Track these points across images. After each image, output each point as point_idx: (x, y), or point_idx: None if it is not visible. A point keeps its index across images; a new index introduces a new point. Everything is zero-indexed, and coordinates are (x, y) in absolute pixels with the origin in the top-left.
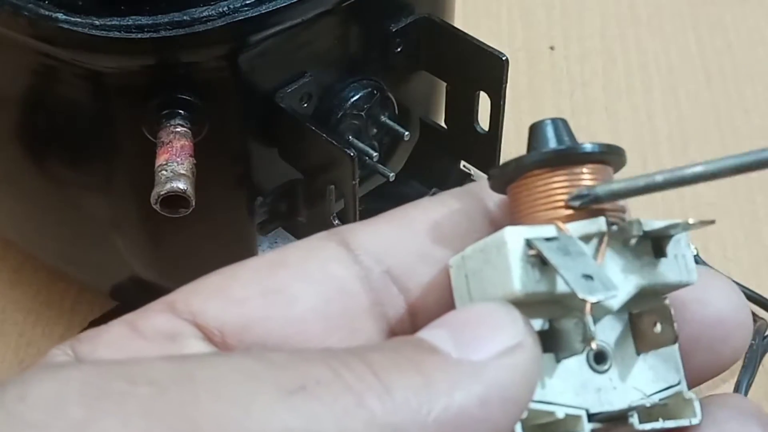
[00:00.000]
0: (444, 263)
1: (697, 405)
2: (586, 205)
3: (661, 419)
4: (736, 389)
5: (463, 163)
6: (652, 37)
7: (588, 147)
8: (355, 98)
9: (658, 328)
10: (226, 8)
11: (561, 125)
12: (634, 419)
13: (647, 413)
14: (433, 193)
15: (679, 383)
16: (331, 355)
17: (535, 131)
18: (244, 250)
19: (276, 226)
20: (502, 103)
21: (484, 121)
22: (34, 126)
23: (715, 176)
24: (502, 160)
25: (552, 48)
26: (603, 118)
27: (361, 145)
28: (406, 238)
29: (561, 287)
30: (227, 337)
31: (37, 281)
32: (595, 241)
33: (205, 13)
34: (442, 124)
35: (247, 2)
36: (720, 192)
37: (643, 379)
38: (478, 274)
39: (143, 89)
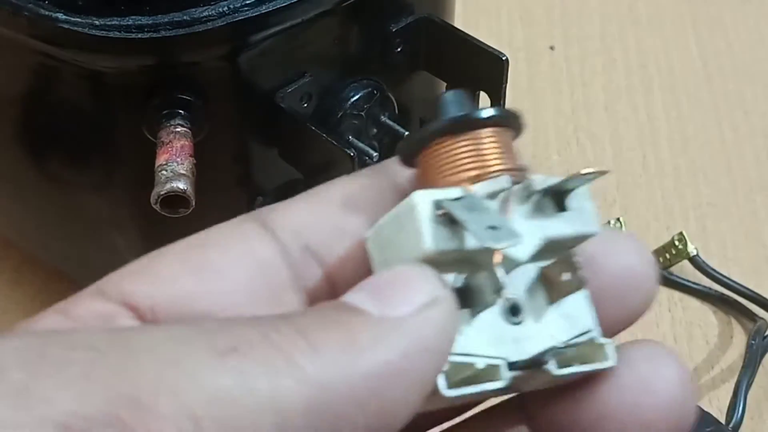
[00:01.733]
0: (358, 235)
1: (610, 349)
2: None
3: (576, 364)
4: (736, 389)
5: None
6: (652, 37)
7: (485, 112)
8: (355, 98)
9: (566, 276)
10: (226, 8)
11: (463, 95)
12: (552, 365)
13: (564, 359)
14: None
15: (591, 330)
16: (259, 320)
17: (438, 103)
18: None
19: None
20: (502, 103)
21: None
22: (34, 126)
23: None
24: None
25: (552, 48)
26: (603, 118)
27: (361, 145)
28: (321, 214)
29: (470, 243)
30: (158, 314)
31: (37, 281)
32: (499, 199)
33: (205, 13)
34: None
35: (247, 2)
36: (720, 192)
37: (557, 327)
38: (392, 241)
39: (143, 89)
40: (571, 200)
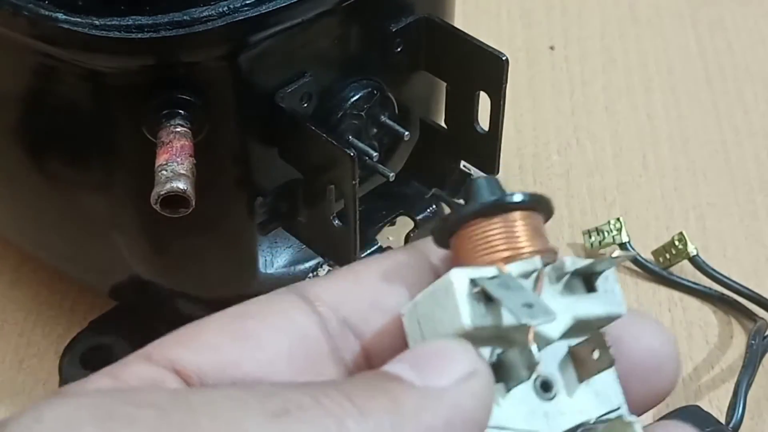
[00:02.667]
0: (393, 310)
1: (638, 426)
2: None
3: None
4: (736, 389)
5: (463, 163)
6: (652, 37)
7: (516, 196)
8: (355, 98)
9: (596, 354)
10: (226, 8)
11: (494, 181)
12: None
13: None
14: (434, 194)
15: (619, 407)
16: (309, 385)
17: (470, 187)
18: (244, 251)
19: (276, 226)
20: (502, 103)
21: (484, 121)
22: (34, 126)
23: None
24: (502, 160)
25: (552, 48)
26: (603, 118)
27: (361, 145)
28: (358, 289)
29: (506, 319)
30: (203, 380)
31: (37, 281)
32: (531, 279)
33: (205, 13)
34: (442, 124)
35: (247, 2)
36: (720, 192)
37: (587, 404)
38: (429, 316)
39: (143, 89)
40: (600, 282)
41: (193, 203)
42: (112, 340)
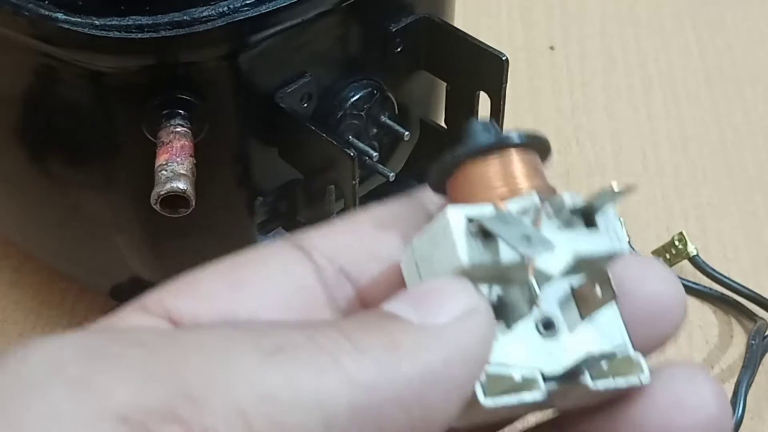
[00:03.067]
0: (390, 259)
1: (644, 364)
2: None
3: (611, 377)
4: (736, 389)
5: None
6: (652, 37)
7: (512, 134)
8: (355, 98)
9: (597, 289)
10: (225, 8)
11: (490, 123)
12: (587, 379)
13: (599, 373)
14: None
15: (624, 344)
16: (304, 324)
17: (467, 129)
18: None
19: (276, 226)
20: (502, 103)
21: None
22: (35, 126)
23: None
24: None
25: (552, 48)
26: (603, 118)
27: (361, 145)
28: (354, 238)
29: (504, 255)
30: None
31: (37, 281)
32: (530, 216)
33: (205, 13)
34: (442, 124)
35: (247, 2)
36: (720, 192)
37: (590, 341)
38: (426, 258)
39: (143, 89)
40: (601, 220)
41: (193, 203)
42: None
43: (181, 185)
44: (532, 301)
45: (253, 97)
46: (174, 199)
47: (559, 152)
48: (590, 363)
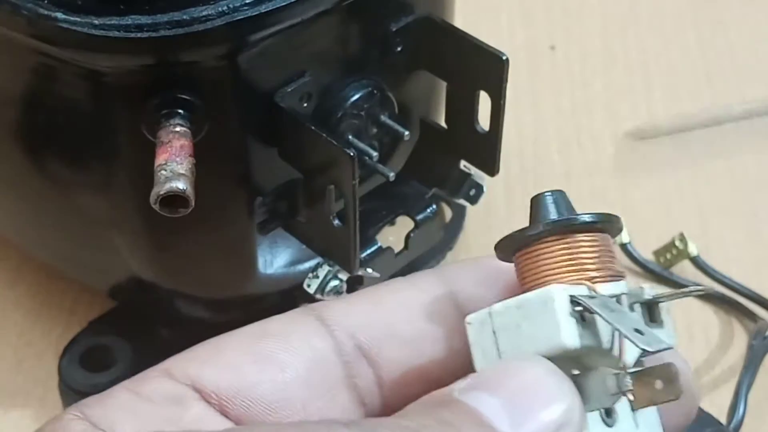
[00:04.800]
0: (408, 340)
1: None
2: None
3: None
4: (737, 390)
5: (463, 163)
6: (652, 36)
7: (595, 216)
8: (355, 98)
9: (659, 384)
10: (225, 7)
11: (562, 196)
12: None
13: None
14: (434, 194)
15: None
16: (358, 423)
17: (538, 203)
18: (244, 250)
19: (276, 226)
20: (502, 102)
21: (484, 121)
22: (34, 126)
23: None
24: (501, 160)
25: (552, 48)
26: (603, 118)
27: (361, 145)
28: (376, 316)
29: (604, 341)
30: (222, 399)
31: (37, 281)
32: (622, 303)
33: (204, 13)
34: (442, 124)
35: (247, 1)
36: (720, 192)
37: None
38: (512, 329)
39: (142, 89)
40: (665, 315)
41: (193, 203)
42: (112, 340)
43: (180, 185)
44: (621, 392)
45: (252, 97)
46: (173, 199)
47: (559, 152)
48: None
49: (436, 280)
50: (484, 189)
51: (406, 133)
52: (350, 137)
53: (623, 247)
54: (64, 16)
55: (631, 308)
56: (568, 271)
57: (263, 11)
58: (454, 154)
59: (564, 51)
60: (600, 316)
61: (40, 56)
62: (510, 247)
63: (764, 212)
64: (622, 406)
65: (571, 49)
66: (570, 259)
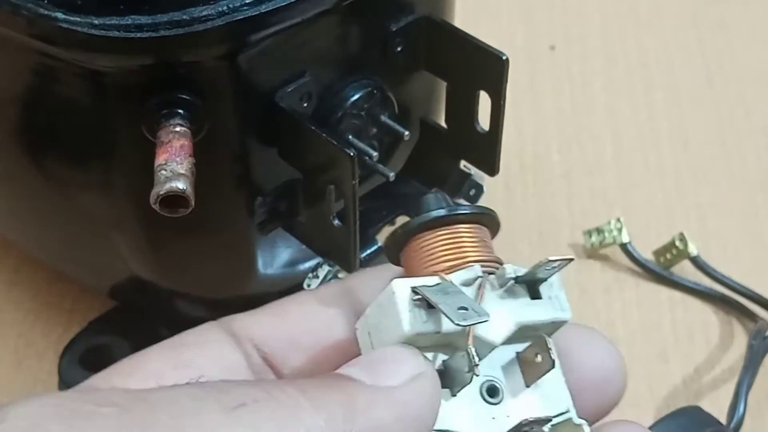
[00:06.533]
0: (311, 350)
1: (586, 429)
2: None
3: None
4: (737, 390)
5: (463, 163)
6: (652, 36)
7: (461, 209)
8: (355, 98)
9: (539, 357)
10: (225, 7)
11: (442, 197)
12: None
13: None
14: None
15: (567, 411)
16: (263, 381)
17: (420, 203)
18: (243, 250)
19: (276, 226)
20: (502, 102)
21: (484, 120)
22: (34, 126)
23: None
24: (502, 160)
25: (552, 48)
26: (603, 118)
27: (361, 145)
28: (280, 329)
29: (445, 325)
30: None
31: (37, 281)
32: (474, 287)
33: (204, 13)
34: (442, 124)
35: (247, 1)
36: (721, 192)
37: (534, 408)
38: (377, 326)
39: (142, 89)
40: (544, 288)
41: (193, 203)
42: (112, 340)
43: (180, 185)
44: (472, 369)
45: (252, 97)
46: (173, 199)
47: (559, 152)
48: (534, 428)
49: (340, 291)
50: (484, 189)
51: (406, 133)
52: (350, 137)
53: (623, 247)
54: (64, 16)
55: (512, 289)
56: (428, 264)
57: (263, 11)
58: (454, 154)
59: (564, 51)
60: (429, 300)
61: (40, 56)
62: (393, 247)
63: (764, 212)
64: (514, 383)
65: (571, 49)
66: (429, 252)
